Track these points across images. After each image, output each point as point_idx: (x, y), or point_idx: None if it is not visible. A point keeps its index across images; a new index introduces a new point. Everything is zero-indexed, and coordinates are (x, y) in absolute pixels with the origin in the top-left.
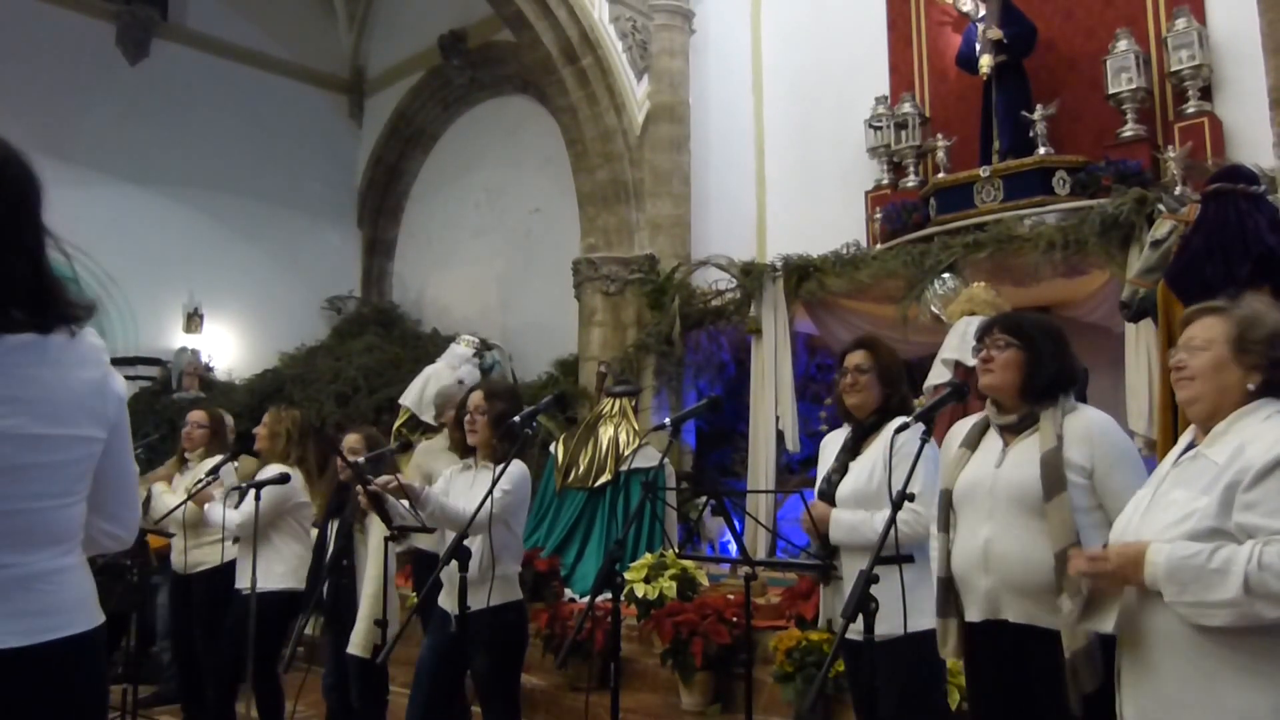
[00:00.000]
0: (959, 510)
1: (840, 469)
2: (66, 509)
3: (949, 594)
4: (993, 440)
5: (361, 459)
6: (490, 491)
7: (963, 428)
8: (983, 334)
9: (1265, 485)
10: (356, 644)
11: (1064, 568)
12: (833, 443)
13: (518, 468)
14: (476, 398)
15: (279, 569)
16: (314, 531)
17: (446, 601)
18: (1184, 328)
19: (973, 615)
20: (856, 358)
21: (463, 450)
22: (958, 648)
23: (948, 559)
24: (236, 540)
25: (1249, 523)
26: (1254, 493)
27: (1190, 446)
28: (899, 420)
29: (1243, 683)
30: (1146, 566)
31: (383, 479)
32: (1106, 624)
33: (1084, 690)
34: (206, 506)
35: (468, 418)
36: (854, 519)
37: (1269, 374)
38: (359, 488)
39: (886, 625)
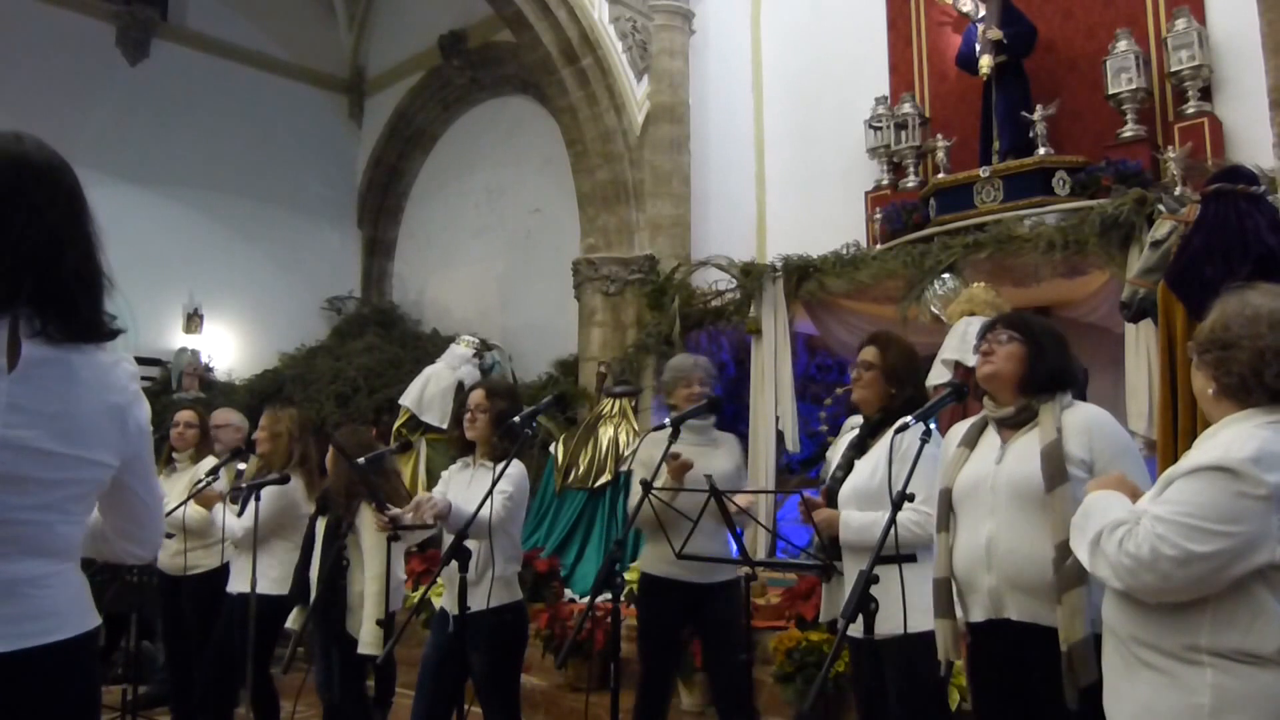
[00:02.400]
0: (959, 509)
1: (846, 466)
2: (63, 526)
3: (947, 595)
4: (991, 438)
5: (362, 459)
6: (490, 492)
7: (961, 428)
8: (986, 330)
9: (1174, 486)
10: (367, 644)
11: (1063, 558)
12: (846, 435)
13: (515, 467)
14: (477, 395)
15: (273, 574)
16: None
17: (446, 601)
18: None
19: (976, 615)
20: (864, 354)
21: (462, 449)
22: (956, 649)
23: (948, 559)
24: (237, 545)
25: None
26: (1166, 492)
27: None
28: (901, 420)
29: (1154, 680)
30: (1090, 493)
31: (400, 514)
32: None
33: (1081, 683)
34: (215, 509)
35: (468, 415)
36: (864, 520)
37: (1213, 376)
38: (368, 498)
39: (887, 625)
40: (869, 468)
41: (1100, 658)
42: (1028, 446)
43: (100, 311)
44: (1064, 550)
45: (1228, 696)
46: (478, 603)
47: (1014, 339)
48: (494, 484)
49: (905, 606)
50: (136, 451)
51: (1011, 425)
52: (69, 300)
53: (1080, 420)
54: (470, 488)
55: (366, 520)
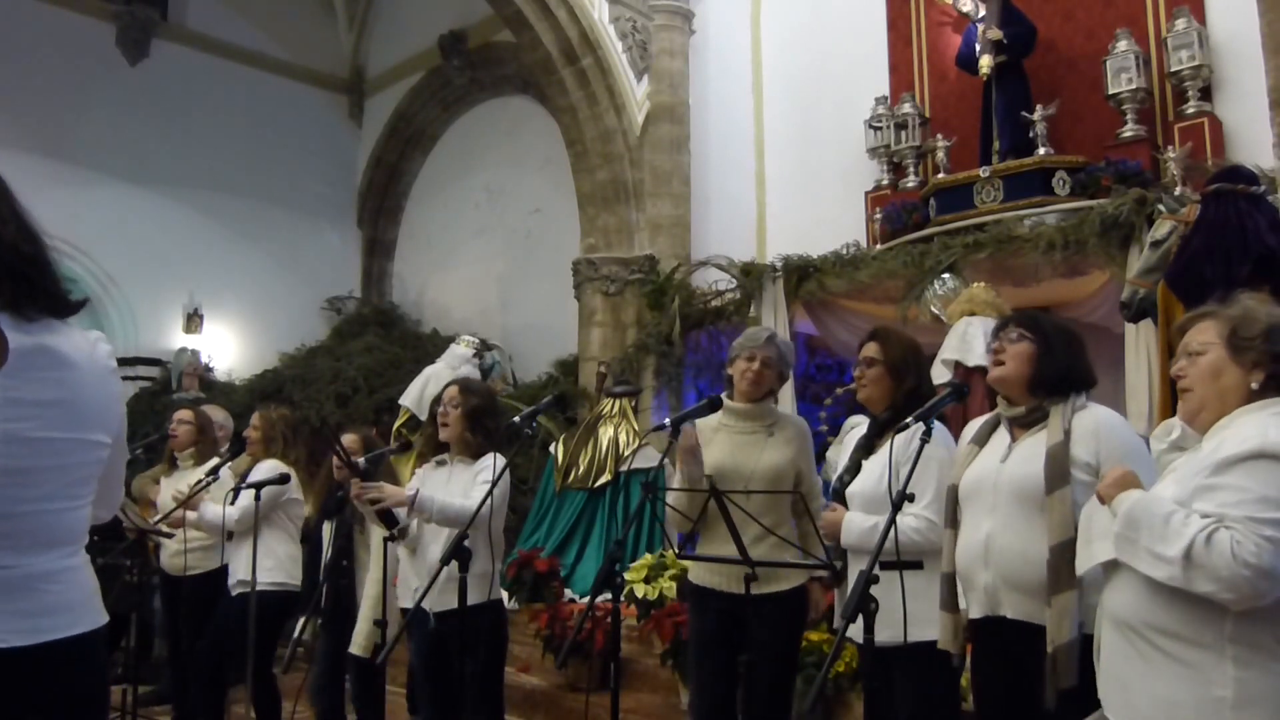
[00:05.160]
0: (964, 506)
1: (853, 468)
2: (73, 512)
3: (951, 589)
4: (1002, 436)
5: (361, 460)
6: (490, 492)
7: (975, 424)
8: (998, 329)
9: (1226, 475)
10: (357, 644)
11: (1058, 561)
12: (853, 434)
13: (500, 462)
14: (451, 391)
15: (267, 563)
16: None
17: (427, 600)
18: (1179, 337)
19: (974, 611)
20: (865, 350)
21: (435, 448)
22: (959, 642)
23: (953, 555)
24: (231, 536)
25: (1203, 510)
26: (1213, 479)
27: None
28: (903, 421)
29: (1173, 672)
30: (1120, 496)
31: (371, 492)
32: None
33: (1062, 685)
34: (201, 506)
35: (441, 410)
36: (866, 524)
37: (1271, 368)
38: (356, 493)
39: (889, 632)
40: (877, 470)
41: (1085, 660)
42: (1034, 446)
43: (58, 282)
44: (1059, 552)
45: (1250, 690)
46: (451, 603)
47: (1024, 338)
48: (494, 482)
49: (905, 613)
50: (121, 426)
51: (1023, 424)
52: (22, 274)
53: (1090, 423)
54: (448, 486)
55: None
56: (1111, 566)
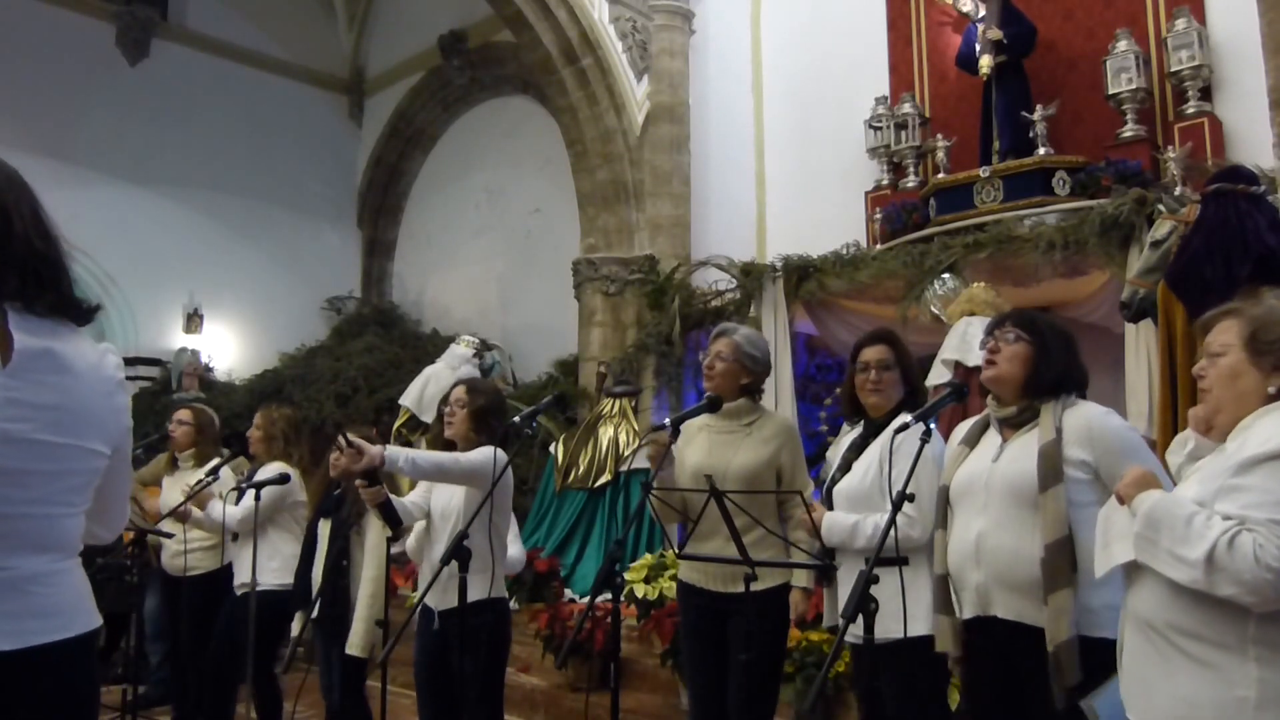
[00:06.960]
0: (955, 506)
1: (844, 467)
2: (66, 519)
3: (945, 591)
4: (992, 437)
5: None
6: (490, 493)
7: (965, 426)
8: (993, 327)
9: (1250, 476)
10: (354, 645)
11: (1053, 559)
12: (846, 435)
13: (499, 453)
14: (458, 390)
15: (273, 565)
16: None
17: (431, 598)
18: (1203, 333)
19: (965, 611)
20: (879, 353)
21: (441, 449)
22: (956, 644)
23: (945, 556)
24: (236, 537)
25: (1225, 511)
26: (1236, 480)
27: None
28: (899, 420)
29: (1195, 673)
30: (1140, 496)
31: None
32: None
33: (1067, 684)
34: (210, 505)
35: (447, 409)
36: (847, 521)
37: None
38: (360, 483)
39: (885, 628)
40: (863, 468)
41: (1083, 659)
42: (1026, 445)
43: (70, 285)
44: (1053, 551)
45: (1273, 690)
46: (452, 601)
47: (1020, 339)
48: (495, 482)
49: (905, 610)
50: (123, 440)
51: (1013, 425)
52: (33, 270)
53: (1080, 421)
54: (453, 485)
55: (372, 521)
56: (1133, 568)
